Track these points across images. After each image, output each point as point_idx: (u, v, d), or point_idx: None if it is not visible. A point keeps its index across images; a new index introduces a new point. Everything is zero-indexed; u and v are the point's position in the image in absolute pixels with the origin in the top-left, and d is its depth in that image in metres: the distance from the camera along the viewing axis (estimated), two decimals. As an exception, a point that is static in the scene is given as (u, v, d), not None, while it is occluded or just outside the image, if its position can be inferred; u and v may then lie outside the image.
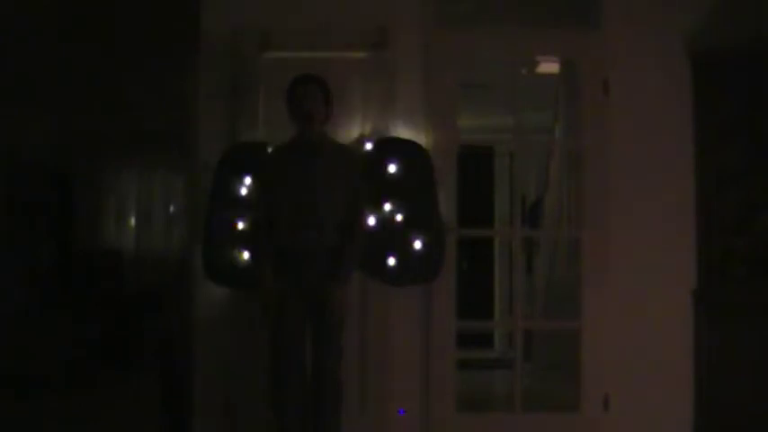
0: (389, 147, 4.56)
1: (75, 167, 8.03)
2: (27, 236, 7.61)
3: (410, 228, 4.50)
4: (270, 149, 4.34)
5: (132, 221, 8.63)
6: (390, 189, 4.51)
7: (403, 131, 4.62)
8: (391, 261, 4.50)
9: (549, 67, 6.19)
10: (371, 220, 4.46)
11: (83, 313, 7.07)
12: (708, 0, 4.73)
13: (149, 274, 8.06)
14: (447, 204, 4.64)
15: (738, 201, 4.57)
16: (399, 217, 4.51)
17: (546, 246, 6.80)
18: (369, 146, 4.57)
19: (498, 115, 6.45)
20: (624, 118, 4.75)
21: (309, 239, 3.93)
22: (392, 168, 4.53)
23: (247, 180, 4.47)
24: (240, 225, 4.46)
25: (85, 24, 6.17)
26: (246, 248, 4.44)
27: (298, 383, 3.95)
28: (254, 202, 4.30)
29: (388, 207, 4.51)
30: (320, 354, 3.97)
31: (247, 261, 4.44)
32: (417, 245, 4.50)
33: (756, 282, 4.47)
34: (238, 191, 4.48)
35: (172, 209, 8.38)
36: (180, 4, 5.03)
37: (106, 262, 8.03)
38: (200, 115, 4.69)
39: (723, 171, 4.62)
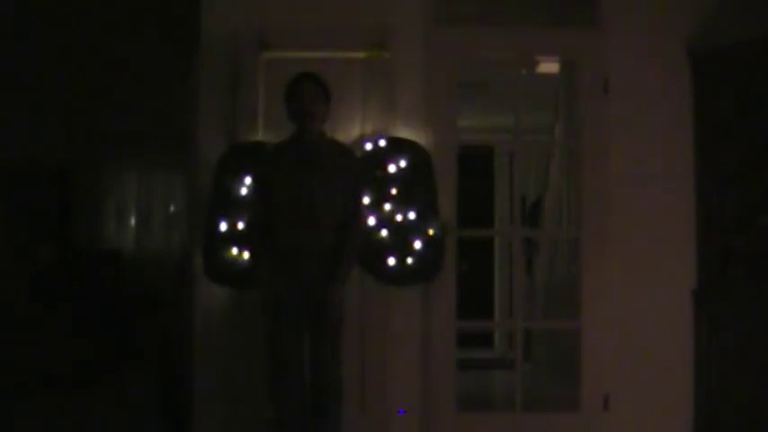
0: (389, 146, 4.56)
1: (76, 167, 8.04)
2: (27, 236, 7.61)
3: (410, 228, 4.50)
4: (268, 148, 4.34)
5: (132, 221, 8.64)
6: (390, 189, 4.51)
7: (403, 131, 4.62)
8: (391, 261, 4.50)
9: (549, 67, 6.19)
10: (371, 220, 4.47)
11: (83, 313, 7.07)
12: (708, 0, 4.74)
13: (149, 274, 8.07)
14: (447, 204, 4.64)
15: (738, 201, 4.56)
16: (399, 217, 4.51)
17: (546, 246, 6.79)
18: (369, 146, 4.57)
19: (498, 115, 6.45)
20: (624, 118, 4.75)
21: (308, 239, 3.93)
22: (392, 168, 4.54)
23: (247, 180, 4.47)
24: (240, 225, 4.46)
25: (86, 24, 6.17)
26: (246, 248, 4.44)
27: (297, 383, 3.94)
28: (253, 201, 4.30)
29: (387, 207, 4.51)
30: (320, 354, 3.96)
31: (247, 261, 4.44)
32: (417, 245, 4.50)
33: (756, 282, 4.46)
34: (238, 191, 4.48)
35: (172, 209, 8.39)
36: (180, 4, 5.03)
37: (106, 262, 8.04)
38: (200, 115, 4.69)
39: (723, 171, 4.62)
